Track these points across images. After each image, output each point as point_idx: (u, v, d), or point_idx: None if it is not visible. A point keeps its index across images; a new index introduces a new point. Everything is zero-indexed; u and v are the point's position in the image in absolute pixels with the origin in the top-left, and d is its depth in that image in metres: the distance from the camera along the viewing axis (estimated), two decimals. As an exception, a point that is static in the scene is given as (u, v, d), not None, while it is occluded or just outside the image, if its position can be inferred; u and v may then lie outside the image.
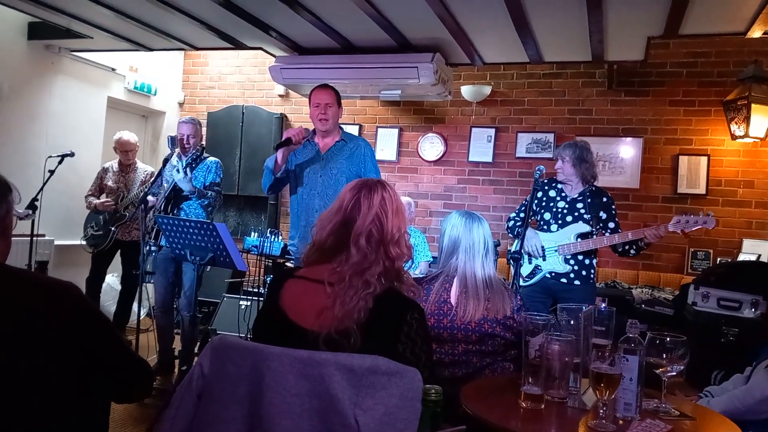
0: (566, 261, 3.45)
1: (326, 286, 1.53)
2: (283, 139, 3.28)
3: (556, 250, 3.46)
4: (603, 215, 3.48)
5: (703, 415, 1.88)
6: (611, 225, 3.47)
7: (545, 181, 3.64)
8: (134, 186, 4.95)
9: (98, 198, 4.97)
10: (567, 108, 5.58)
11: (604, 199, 3.51)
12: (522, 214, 3.65)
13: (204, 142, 6.28)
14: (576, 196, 3.54)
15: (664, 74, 5.31)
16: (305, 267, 1.66)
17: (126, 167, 5.03)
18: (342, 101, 3.50)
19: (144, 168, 5.11)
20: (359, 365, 1.31)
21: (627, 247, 3.43)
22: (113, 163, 5.06)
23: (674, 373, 1.75)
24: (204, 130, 6.22)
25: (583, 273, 3.46)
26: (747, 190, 5.07)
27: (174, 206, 4.12)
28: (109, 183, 4.98)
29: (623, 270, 5.25)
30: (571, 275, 3.45)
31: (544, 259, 3.48)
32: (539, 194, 3.60)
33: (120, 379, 1.52)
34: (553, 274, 3.48)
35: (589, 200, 3.50)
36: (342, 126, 3.56)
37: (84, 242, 4.98)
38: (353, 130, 5.98)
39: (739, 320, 3.94)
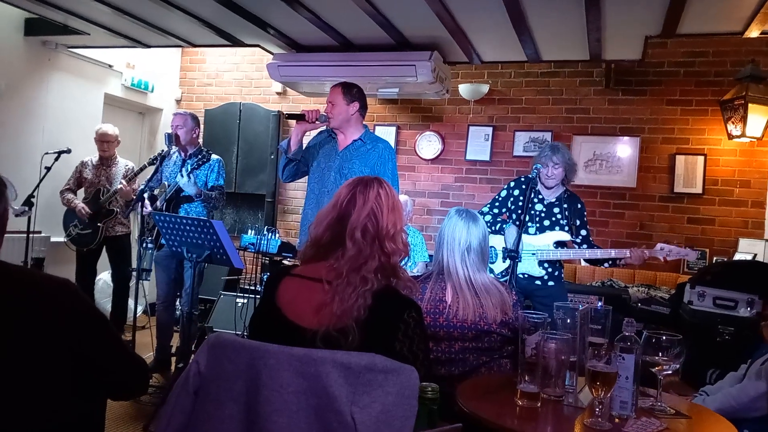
0: (539, 264, 3.51)
1: (324, 284, 1.53)
2: (298, 112, 3.31)
3: (533, 254, 3.49)
4: (577, 222, 3.56)
5: (699, 414, 1.89)
6: (583, 232, 3.57)
7: (522, 179, 3.68)
8: (115, 180, 4.85)
9: (75, 193, 4.93)
10: (564, 107, 5.58)
11: (579, 206, 3.59)
12: (495, 210, 3.68)
13: (201, 139, 6.34)
14: (553, 200, 3.59)
15: (661, 74, 5.31)
16: (302, 265, 1.66)
17: (106, 161, 4.98)
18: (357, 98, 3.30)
19: (125, 162, 5.04)
20: (356, 363, 1.31)
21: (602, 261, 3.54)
22: (92, 157, 5.00)
23: (670, 372, 1.76)
24: (201, 127, 6.22)
25: (555, 274, 3.57)
26: (743, 190, 5.08)
27: (176, 207, 4.11)
28: (89, 176, 4.92)
29: (619, 269, 5.26)
30: (545, 277, 3.53)
31: (519, 261, 3.48)
32: (515, 192, 3.64)
33: (118, 377, 1.51)
34: (526, 276, 3.51)
35: (565, 205, 3.56)
36: (367, 125, 3.40)
37: (68, 241, 4.91)
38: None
39: (735, 319, 3.95)
